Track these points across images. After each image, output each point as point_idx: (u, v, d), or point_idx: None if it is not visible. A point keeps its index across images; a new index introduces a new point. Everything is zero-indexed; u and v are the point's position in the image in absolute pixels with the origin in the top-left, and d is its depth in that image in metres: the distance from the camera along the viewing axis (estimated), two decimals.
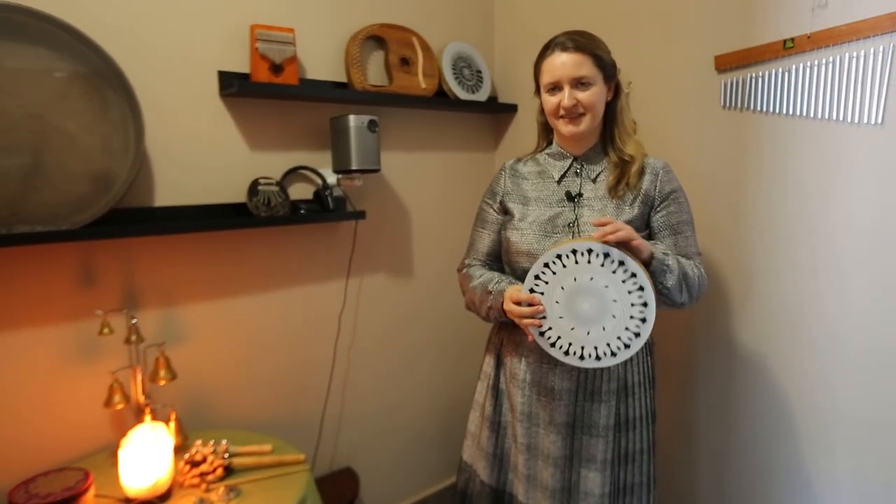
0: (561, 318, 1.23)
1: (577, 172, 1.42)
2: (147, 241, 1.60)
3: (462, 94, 2.14)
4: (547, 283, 1.23)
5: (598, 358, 1.22)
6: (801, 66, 1.49)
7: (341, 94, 1.89)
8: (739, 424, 1.70)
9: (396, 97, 1.99)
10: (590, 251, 1.19)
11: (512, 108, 2.32)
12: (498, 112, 2.35)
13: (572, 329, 1.23)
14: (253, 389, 1.84)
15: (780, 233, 1.57)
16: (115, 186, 1.46)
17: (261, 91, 1.71)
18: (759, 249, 1.62)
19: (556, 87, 1.36)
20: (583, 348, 1.23)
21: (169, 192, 1.63)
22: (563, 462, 1.40)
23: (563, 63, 1.33)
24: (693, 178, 1.75)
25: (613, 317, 1.20)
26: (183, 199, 1.64)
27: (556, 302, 1.23)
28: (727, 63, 1.63)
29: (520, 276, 1.38)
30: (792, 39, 1.49)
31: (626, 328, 1.20)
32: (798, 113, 1.51)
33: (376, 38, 2.00)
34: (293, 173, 1.85)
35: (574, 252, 1.20)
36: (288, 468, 1.46)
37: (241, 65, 1.72)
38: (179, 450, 1.49)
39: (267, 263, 1.84)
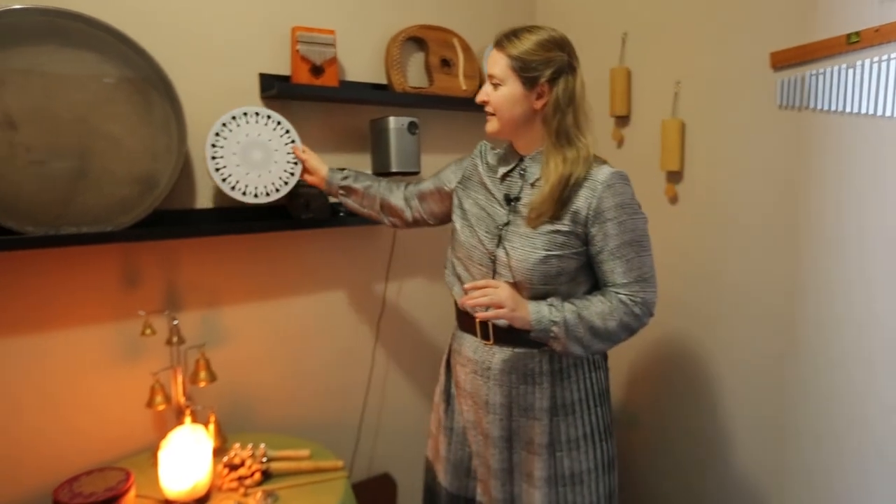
0: (238, 165, 1.53)
1: (521, 174, 1.35)
2: (188, 243, 1.61)
3: None
4: (226, 138, 1.52)
5: (267, 195, 1.56)
6: (867, 61, 1.40)
7: (381, 95, 1.87)
8: (797, 441, 1.61)
9: (437, 99, 1.96)
10: (257, 114, 1.55)
11: None
12: None
13: (247, 174, 1.54)
14: (291, 392, 1.84)
15: (839, 238, 1.48)
16: (157, 188, 1.47)
17: (301, 93, 1.70)
18: (816, 255, 1.53)
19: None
20: (255, 188, 1.55)
21: (209, 194, 1.63)
22: (503, 475, 1.37)
23: (490, 59, 1.32)
24: (747, 181, 1.67)
25: (276, 163, 1.57)
26: (223, 202, 1.65)
27: (234, 153, 1.52)
28: (784, 60, 1.55)
29: (458, 273, 1.41)
30: (857, 33, 1.40)
31: (283, 171, 1.58)
32: (862, 111, 1.42)
33: (416, 40, 1.97)
34: None
35: (245, 114, 1.54)
36: (325, 475, 1.45)
37: (281, 67, 1.72)
38: (218, 452, 1.48)
39: (306, 266, 1.83)
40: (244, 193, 1.54)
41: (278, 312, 1.79)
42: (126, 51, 1.41)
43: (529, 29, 1.28)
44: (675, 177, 1.87)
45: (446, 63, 2.01)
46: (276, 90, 1.64)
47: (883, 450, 1.43)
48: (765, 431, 1.68)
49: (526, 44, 1.26)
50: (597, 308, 1.24)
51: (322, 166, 1.61)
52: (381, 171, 1.82)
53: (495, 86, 1.28)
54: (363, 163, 1.90)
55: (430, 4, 2.01)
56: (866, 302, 1.45)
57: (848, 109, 1.44)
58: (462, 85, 2.03)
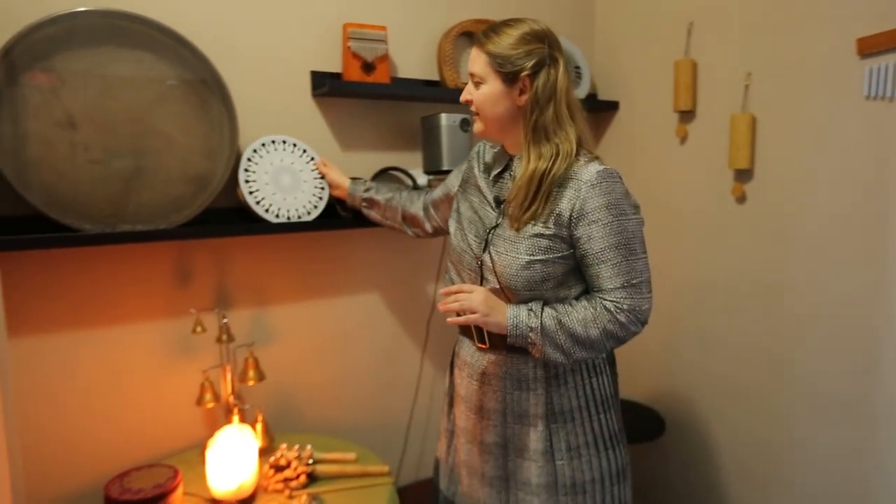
0: (271, 190, 1.56)
1: (511, 175, 1.28)
2: (238, 241, 1.62)
3: None
4: (257, 163, 1.55)
5: (299, 217, 1.59)
6: None
7: (433, 92, 1.83)
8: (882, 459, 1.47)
9: None
10: (284, 141, 1.59)
11: (613, 106, 2.17)
12: (598, 110, 2.21)
13: (281, 198, 1.57)
14: (338, 393, 1.82)
15: None
16: (210, 186, 1.48)
17: (352, 90, 1.68)
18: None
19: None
20: (288, 210, 1.58)
21: None
22: (498, 483, 1.30)
23: (470, 56, 1.25)
24: (826, 180, 1.54)
25: (303, 190, 1.60)
26: None
27: (265, 181, 1.55)
28: (873, 46, 1.41)
29: (452, 278, 1.38)
30: None
31: (312, 196, 1.62)
32: None
33: (470, 35, 1.92)
34: (384, 174, 1.81)
35: (273, 142, 1.58)
36: (371, 479, 1.41)
37: (333, 64, 1.70)
38: (265, 452, 1.48)
39: (355, 265, 1.81)
40: (277, 216, 1.56)
41: (327, 312, 1.77)
42: (182, 51, 1.42)
43: (509, 23, 1.22)
44: (744, 175, 1.75)
45: None
46: (327, 88, 1.62)
47: None
48: (844, 465, 1.54)
49: (505, 39, 1.19)
50: (579, 314, 1.17)
51: (344, 179, 1.62)
52: (433, 169, 1.77)
53: (476, 84, 1.23)
54: (414, 161, 1.87)
55: None
56: None
57: None
58: None
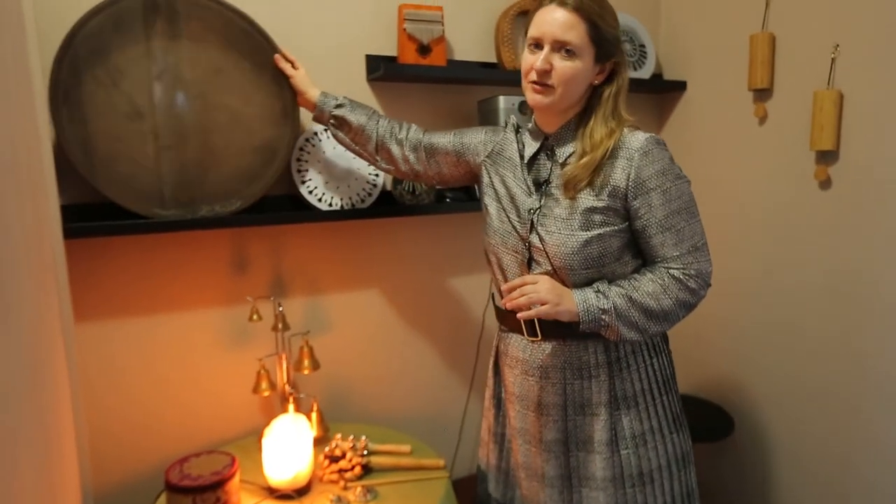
0: (319, 173, 1.53)
1: (548, 154, 1.19)
2: (293, 229, 1.61)
3: None
4: (310, 152, 1.53)
5: (353, 205, 1.57)
6: None
7: (490, 74, 1.77)
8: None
9: None
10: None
11: (680, 86, 2.05)
12: (663, 90, 2.10)
13: (326, 183, 1.54)
14: (392, 383, 1.80)
15: None
16: (278, 155, 1.47)
17: (407, 74, 1.63)
18: None
19: (537, 45, 1.12)
20: (341, 199, 1.56)
21: None
22: (560, 482, 1.23)
23: (553, 19, 1.09)
24: None
25: (356, 179, 1.57)
26: None
27: (318, 170, 1.53)
28: None
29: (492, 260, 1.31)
30: None
31: (366, 183, 1.59)
32: None
33: (528, 14, 1.84)
34: None
35: (326, 130, 1.48)
36: (426, 473, 1.38)
37: (388, 48, 1.66)
38: (319, 441, 1.47)
39: (411, 253, 1.78)
40: (330, 205, 1.55)
41: (380, 301, 1.75)
42: (232, 17, 1.39)
43: None
44: (828, 157, 1.61)
45: None
46: (382, 71, 1.59)
47: None
48: None
49: (608, 14, 1.11)
50: (647, 288, 1.13)
51: (311, 88, 1.42)
52: None
53: (567, 55, 1.09)
54: None
55: None
56: None
57: None
58: None
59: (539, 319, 1.18)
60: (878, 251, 1.51)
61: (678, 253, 1.13)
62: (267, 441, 1.30)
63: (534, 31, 1.13)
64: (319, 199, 1.54)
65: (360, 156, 1.45)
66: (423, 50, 1.64)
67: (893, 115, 1.46)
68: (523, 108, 1.67)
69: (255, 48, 1.42)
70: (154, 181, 1.34)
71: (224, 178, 1.41)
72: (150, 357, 1.47)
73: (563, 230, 1.14)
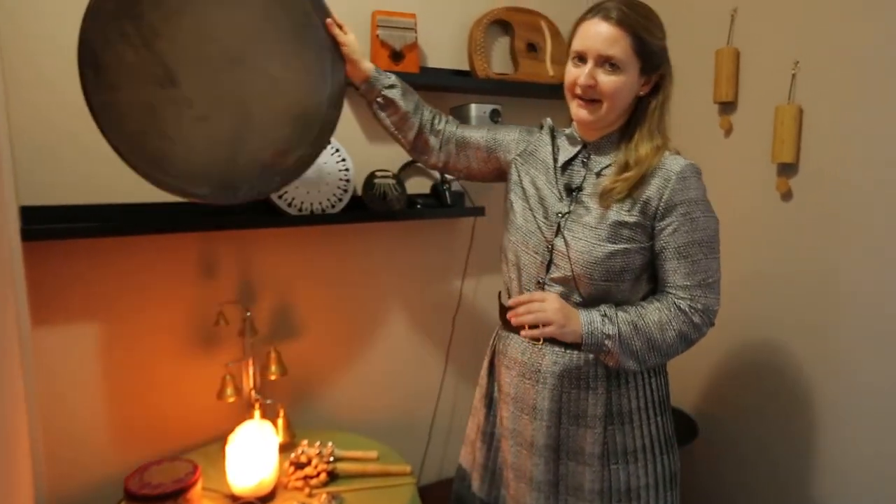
0: (294, 185, 1.52)
1: (583, 162, 1.20)
2: (263, 234, 1.59)
3: None
4: None
5: (322, 210, 1.57)
6: None
7: (463, 82, 1.78)
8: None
9: (521, 85, 1.84)
10: None
11: None
12: None
13: (297, 188, 1.53)
14: (362, 389, 1.79)
15: None
16: (314, 126, 1.29)
17: None
18: None
19: (581, 58, 1.13)
20: (311, 204, 1.56)
21: None
22: (547, 488, 1.22)
23: (597, 33, 1.09)
24: (878, 176, 1.45)
25: (327, 184, 1.57)
26: None
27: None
28: None
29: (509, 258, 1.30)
30: None
31: (336, 189, 1.59)
32: None
33: (502, 23, 1.87)
34: (410, 166, 1.77)
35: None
36: (393, 479, 1.38)
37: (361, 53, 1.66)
38: (286, 448, 1.45)
39: (381, 259, 1.78)
40: (300, 210, 1.54)
41: (350, 307, 1.74)
42: None
43: (643, 5, 1.13)
44: (788, 170, 1.65)
45: (533, 48, 1.89)
46: None
47: None
48: (883, 463, 1.45)
49: (653, 25, 1.12)
50: (653, 317, 1.12)
51: (364, 58, 1.31)
52: None
53: (611, 69, 1.09)
54: None
55: None
56: None
57: None
58: (549, 71, 1.90)
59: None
60: (837, 260, 1.55)
61: (689, 283, 1.12)
62: (231, 448, 1.28)
63: (577, 44, 1.13)
64: (289, 204, 1.53)
65: (396, 139, 1.38)
66: (396, 56, 1.65)
67: (849, 129, 1.50)
68: (494, 115, 1.68)
69: (298, 9, 1.25)
70: (184, 155, 1.19)
71: (261, 150, 1.25)
72: (111, 362, 1.44)
73: (589, 238, 1.14)
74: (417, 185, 1.80)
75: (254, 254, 1.59)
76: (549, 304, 1.13)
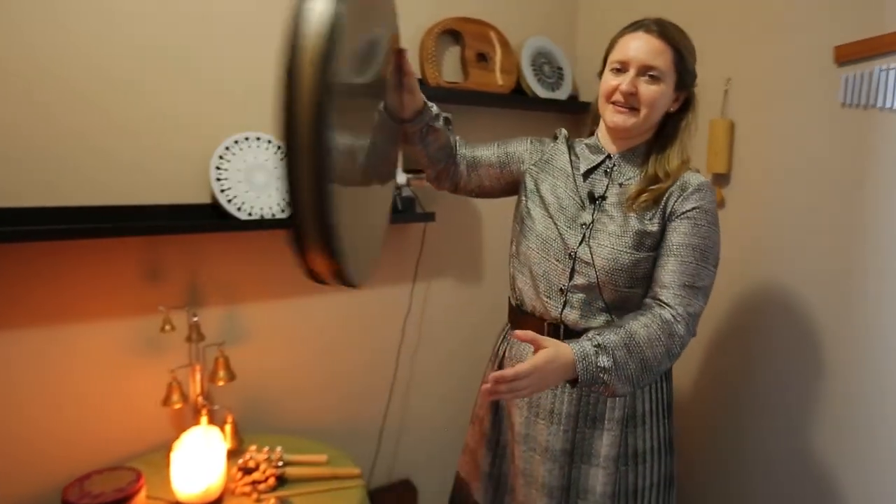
0: (239, 182, 1.53)
1: (606, 171, 1.25)
2: (211, 238, 1.58)
3: (541, 92, 2.01)
4: (230, 161, 1.53)
5: (273, 215, 1.56)
6: None
7: None
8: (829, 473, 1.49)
9: (472, 94, 1.89)
10: (258, 138, 1.56)
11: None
12: (578, 112, 2.20)
13: (247, 192, 1.54)
14: (312, 394, 1.79)
15: None
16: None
17: None
18: (881, 268, 1.40)
19: (621, 69, 1.18)
20: (262, 208, 1.56)
21: None
22: (559, 493, 1.24)
23: (639, 45, 1.15)
24: (803, 185, 1.55)
25: (277, 188, 1.58)
26: None
27: (239, 180, 1.53)
28: (850, 54, 1.42)
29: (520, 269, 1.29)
30: None
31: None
32: None
33: (452, 33, 1.90)
34: None
35: (247, 139, 1.55)
36: (342, 482, 1.39)
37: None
38: (234, 454, 1.45)
39: None
40: (250, 214, 1.53)
41: (301, 311, 1.74)
42: None
43: (677, 26, 1.20)
44: (722, 179, 1.75)
45: (483, 57, 1.94)
46: None
47: None
48: (806, 456, 1.55)
49: (689, 44, 1.19)
50: (642, 333, 1.07)
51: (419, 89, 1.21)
52: (412, 167, 1.75)
53: (652, 79, 1.14)
54: None
55: None
56: None
57: None
58: (498, 80, 1.95)
59: (564, 327, 1.21)
60: (770, 267, 1.65)
61: (673, 282, 1.12)
62: (176, 454, 1.27)
63: (619, 55, 1.17)
64: (239, 209, 1.52)
65: (424, 167, 1.32)
66: None
67: (776, 142, 1.60)
68: (447, 122, 1.71)
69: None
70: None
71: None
72: (50, 369, 1.40)
73: (615, 246, 1.17)
74: None
75: (201, 258, 1.57)
76: (530, 381, 0.98)
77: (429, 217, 1.83)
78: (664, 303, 1.13)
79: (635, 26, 1.19)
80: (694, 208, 1.15)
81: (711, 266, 1.16)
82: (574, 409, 1.23)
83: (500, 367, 1.36)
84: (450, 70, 1.93)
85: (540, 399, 1.25)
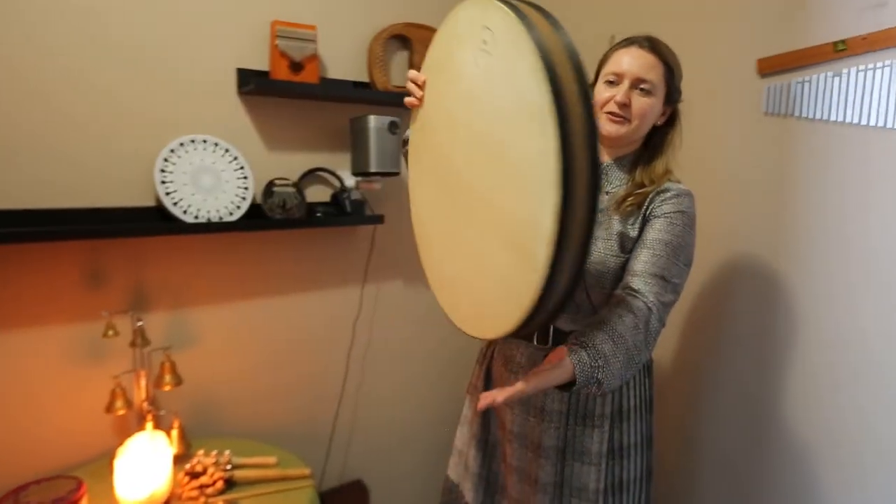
0: (185, 184, 1.53)
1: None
2: (157, 241, 1.56)
3: None
4: (175, 163, 1.52)
5: (220, 218, 1.56)
6: (854, 70, 1.37)
7: (362, 94, 1.83)
8: (768, 458, 1.58)
9: None
10: (205, 141, 1.56)
11: None
12: None
13: (193, 195, 1.53)
14: (262, 397, 1.78)
15: (823, 249, 1.46)
16: None
17: (279, 89, 1.65)
18: (801, 266, 1.50)
19: (615, 82, 1.24)
20: (208, 211, 1.54)
21: None
22: (553, 489, 1.29)
23: (633, 59, 1.21)
24: (731, 186, 1.64)
25: (224, 191, 1.57)
26: None
27: (184, 182, 1.52)
28: (771, 67, 1.52)
29: None
30: (844, 41, 1.38)
31: (234, 196, 1.58)
32: (848, 120, 1.39)
33: (401, 38, 1.93)
34: (310, 175, 1.79)
35: (193, 141, 1.55)
36: (292, 483, 1.39)
37: (260, 62, 1.67)
38: (182, 459, 1.43)
39: (281, 267, 1.78)
40: (196, 217, 1.52)
41: (250, 315, 1.73)
42: None
43: (667, 45, 1.26)
44: None
45: None
46: (253, 86, 1.59)
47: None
48: (743, 454, 1.65)
49: (675, 58, 1.24)
50: (621, 325, 1.05)
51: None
52: (360, 170, 1.77)
53: (643, 92, 1.20)
54: (342, 162, 1.86)
55: (415, 2, 1.96)
56: (849, 313, 1.42)
57: (833, 118, 1.42)
58: None
59: (553, 327, 1.24)
60: (700, 269, 1.74)
61: (647, 271, 1.12)
62: (120, 461, 1.25)
63: (614, 67, 1.22)
64: (185, 212, 1.51)
65: None
66: (296, 67, 1.67)
67: (706, 149, 1.70)
68: (393, 127, 1.74)
69: None
70: None
71: None
72: None
73: (602, 251, 1.20)
74: (318, 194, 1.83)
75: (146, 262, 1.55)
76: (525, 389, 0.97)
77: (377, 219, 1.85)
78: (635, 290, 1.12)
79: (629, 42, 1.26)
80: (673, 211, 1.20)
81: (682, 264, 1.17)
82: (565, 406, 1.27)
83: (489, 368, 1.40)
84: (398, 74, 1.95)
85: (531, 398, 1.29)
